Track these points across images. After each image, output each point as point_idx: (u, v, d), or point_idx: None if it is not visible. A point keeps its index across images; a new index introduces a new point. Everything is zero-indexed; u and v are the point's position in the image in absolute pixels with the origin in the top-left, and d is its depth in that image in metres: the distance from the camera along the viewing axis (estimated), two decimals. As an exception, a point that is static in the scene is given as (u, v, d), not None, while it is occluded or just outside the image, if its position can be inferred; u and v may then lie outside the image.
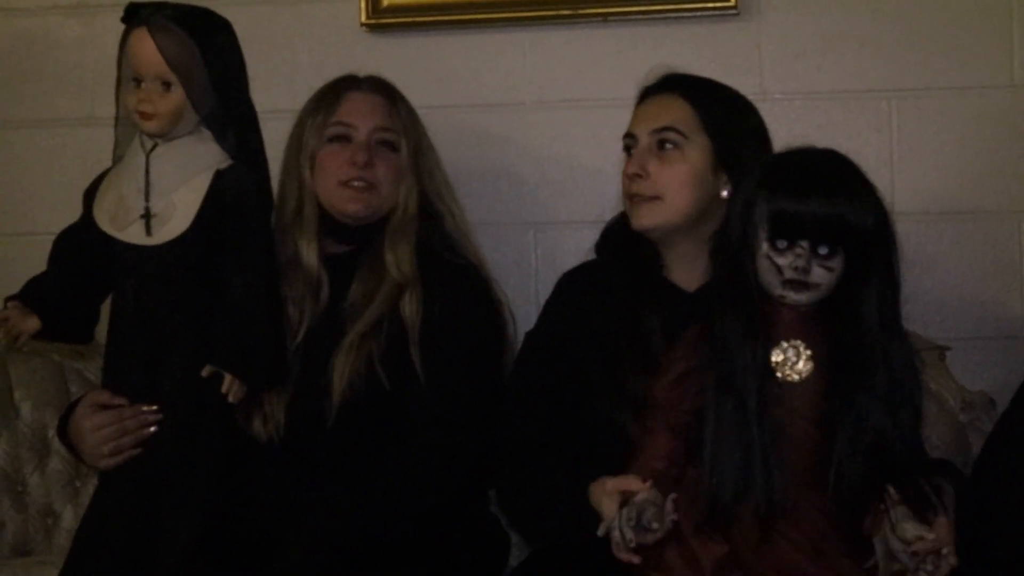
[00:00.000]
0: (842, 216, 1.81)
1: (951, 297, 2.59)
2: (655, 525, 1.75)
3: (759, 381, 1.83)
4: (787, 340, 1.86)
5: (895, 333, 1.88)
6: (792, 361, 1.86)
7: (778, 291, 1.84)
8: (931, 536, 1.75)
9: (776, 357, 1.86)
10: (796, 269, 1.81)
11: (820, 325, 1.87)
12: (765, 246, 1.83)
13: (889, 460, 1.83)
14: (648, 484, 1.79)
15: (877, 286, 1.86)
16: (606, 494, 1.86)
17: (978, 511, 2.06)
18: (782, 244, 1.82)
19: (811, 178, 1.84)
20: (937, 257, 2.60)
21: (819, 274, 1.82)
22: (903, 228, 2.55)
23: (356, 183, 2.24)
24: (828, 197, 1.81)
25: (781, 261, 1.82)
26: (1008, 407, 2.14)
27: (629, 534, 1.75)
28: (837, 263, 1.83)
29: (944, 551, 1.75)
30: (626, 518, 1.76)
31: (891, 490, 1.81)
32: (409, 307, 2.20)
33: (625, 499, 1.81)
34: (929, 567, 1.76)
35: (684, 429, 1.87)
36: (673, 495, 1.78)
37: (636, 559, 1.76)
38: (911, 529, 1.77)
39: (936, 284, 2.60)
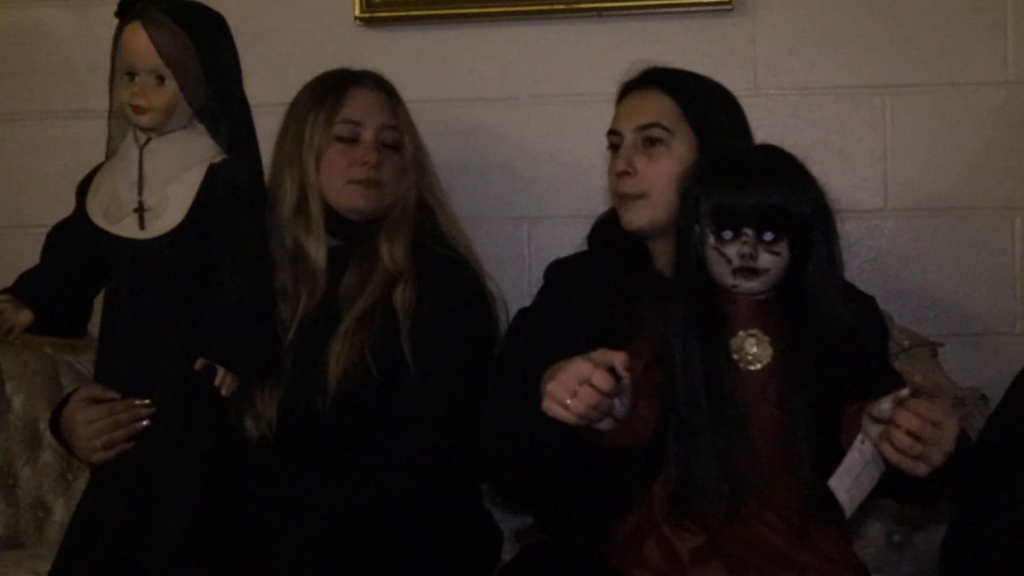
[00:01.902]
0: (778, 204, 1.84)
1: (944, 293, 2.60)
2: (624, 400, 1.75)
3: (714, 370, 1.86)
4: (744, 329, 1.89)
5: (837, 319, 1.89)
6: (751, 349, 1.89)
7: (729, 281, 1.87)
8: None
9: (735, 346, 1.89)
10: (743, 256, 1.84)
11: (776, 313, 1.90)
12: (712, 239, 1.87)
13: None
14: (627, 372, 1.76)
15: (818, 271, 1.88)
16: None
17: (970, 507, 2.07)
18: (728, 235, 1.85)
19: (745, 171, 1.88)
20: (930, 253, 2.61)
21: (766, 260, 1.85)
22: (896, 224, 2.61)
23: (366, 181, 2.24)
24: (762, 187, 1.85)
25: (729, 251, 1.85)
26: (1000, 403, 2.14)
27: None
28: (783, 248, 1.86)
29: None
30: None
31: (851, 410, 1.82)
32: (401, 296, 2.20)
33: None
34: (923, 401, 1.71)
35: (653, 413, 1.89)
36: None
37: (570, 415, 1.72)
38: (877, 404, 1.73)
39: (929, 280, 2.61)
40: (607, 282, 2.14)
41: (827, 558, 1.87)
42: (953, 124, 2.60)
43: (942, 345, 2.47)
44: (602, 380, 1.70)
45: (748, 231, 1.84)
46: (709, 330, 1.88)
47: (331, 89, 2.28)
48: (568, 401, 1.70)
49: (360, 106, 2.27)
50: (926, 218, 2.61)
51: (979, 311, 2.60)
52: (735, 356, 1.88)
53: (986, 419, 2.21)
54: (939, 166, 2.60)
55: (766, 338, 1.89)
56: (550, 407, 1.72)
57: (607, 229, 2.24)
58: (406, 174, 2.30)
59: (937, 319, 2.60)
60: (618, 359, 1.72)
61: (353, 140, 2.26)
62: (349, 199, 2.25)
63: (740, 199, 1.84)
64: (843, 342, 1.87)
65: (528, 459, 2.00)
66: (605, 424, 1.77)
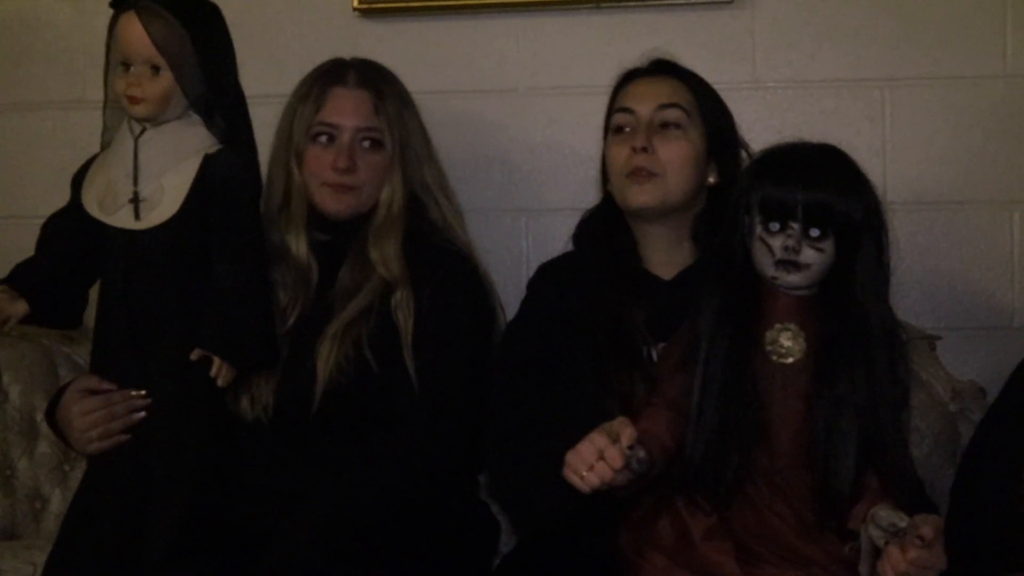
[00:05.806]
0: (826, 203, 1.86)
1: (942, 287, 2.60)
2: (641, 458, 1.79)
3: (741, 357, 1.88)
4: (781, 323, 1.91)
5: (881, 323, 1.92)
6: (786, 343, 1.91)
7: (771, 272, 1.88)
8: (903, 524, 1.80)
9: (770, 339, 1.91)
10: (787, 249, 1.86)
11: (816, 311, 1.91)
12: (759, 229, 1.89)
13: (872, 451, 1.88)
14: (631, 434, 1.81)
15: (865, 274, 1.90)
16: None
17: (966, 500, 2.06)
18: (774, 227, 1.87)
19: (797, 166, 1.90)
20: (928, 247, 2.61)
21: (809, 255, 1.87)
22: (895, 218, 2.56)
23: (338, 185, 2.24)
24: (813, 184, 1.87)
25: (773, 243, 1.87)
26: (998, 396, 2.14)
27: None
28: (828, 246, 1.87)
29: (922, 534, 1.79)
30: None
31: (873, 483, 1.87)
32: (402, 311, 2.20)
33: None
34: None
35: (683, 407, 1.91)
36: (641, 453, 1.81)
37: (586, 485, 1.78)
38: (886, 516, 1.82)
39: (927, 274, 2.60)
40: (594, 288, 2.14)
41: (834, 557, 1.89)
42: (952, 118, 2.59)
43: (940, 338, 2.47)
44: (615, 459, 1.77)
45: (794, 225, 1.86)
46: (742, 318, 1.90)
47: (315, 86, 2.29)
48: (584, 473, 1.77)
49: (338, 108, 2.27)
50: (924, 212, 2.61)
51: (977, 305, 2.60)
52: (768, 348, 1.90)
53: (984, 413, 2.20)
54: (938, 160, 2.60)
55: (801, 333, 1.90)
56: (568, 475, 1.79)
57: (593, 228, 2.24)
58: (389, 174, 2.28)
59: (935, 312, 2.59)
60: (624, 435, 1.78)
61: (328, 142, 2.26)
62: (323, 201, 2.26)
63: (790, 193, 1.86)
64: (883, 346, 1.90)
65: (548, 519, 2.06)
66: (622, 480, 1.81)
